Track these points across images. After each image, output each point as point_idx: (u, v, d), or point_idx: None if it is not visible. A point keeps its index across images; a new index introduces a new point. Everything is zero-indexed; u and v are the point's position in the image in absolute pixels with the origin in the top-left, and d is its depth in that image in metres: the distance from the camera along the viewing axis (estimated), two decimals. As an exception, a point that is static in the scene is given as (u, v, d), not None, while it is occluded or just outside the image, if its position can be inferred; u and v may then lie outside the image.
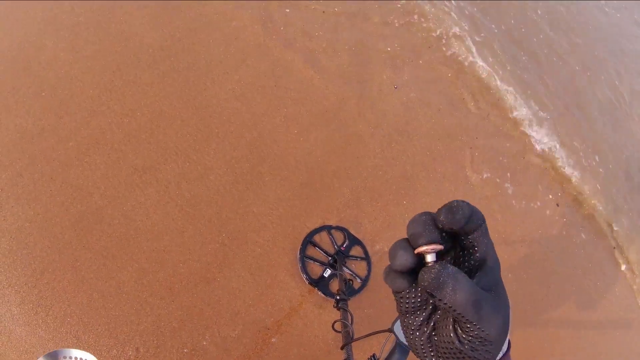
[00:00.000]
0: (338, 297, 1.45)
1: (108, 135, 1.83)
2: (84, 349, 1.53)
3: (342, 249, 1.78)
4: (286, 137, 2.06)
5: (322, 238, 1.84)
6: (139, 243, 1.69)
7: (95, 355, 1.05)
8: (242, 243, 1.77)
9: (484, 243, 0.41)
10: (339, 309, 1.42)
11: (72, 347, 1.56)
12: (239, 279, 1.72)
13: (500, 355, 0.42)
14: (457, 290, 0.37)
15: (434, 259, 0.39)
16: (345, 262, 1.77)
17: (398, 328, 0.90)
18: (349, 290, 1.69)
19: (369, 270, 1.82)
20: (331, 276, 1.73)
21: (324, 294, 1.72)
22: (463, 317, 0.38)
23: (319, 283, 1.72)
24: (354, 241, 1.85)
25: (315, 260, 1.77)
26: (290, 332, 1.70)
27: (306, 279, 1.72)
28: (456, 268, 0.39)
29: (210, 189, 1.85)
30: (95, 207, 1.71)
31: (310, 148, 2.07)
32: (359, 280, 1.79)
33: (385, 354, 1.06)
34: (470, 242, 0.41)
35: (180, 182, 1.82)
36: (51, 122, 1.78)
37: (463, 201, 0.39)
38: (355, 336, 1.25)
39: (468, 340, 0.39)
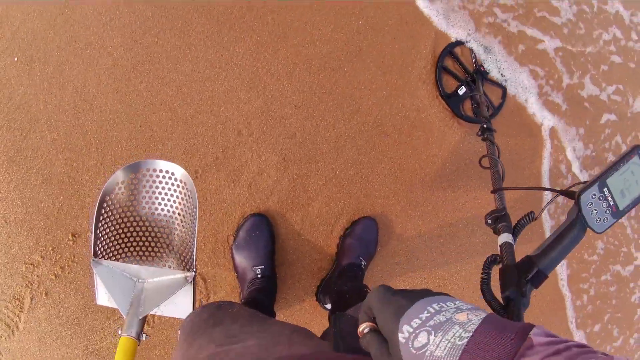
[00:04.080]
0: (485, 125, 1.34)
1: None
2: (178, 124, 1.47)
3: (482, 69, 1.65)
4: None
5: (463, 52, 1.69)
6: (262, 14, 1.52)
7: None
8: (379, 36, 1.61)
9: None
10: (484, 140, 1.32)
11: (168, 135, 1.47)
12: (368, 73, 1.60)
13: None
14: None
15: None
16: (483, 84, 1.66)
17: (586, 199, 0.73)
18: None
19: (504, 99, 1.72)
20: (465, 95, 1.63)
21: (453, 111, 1.63)
22: None
23: (451, 98, 1.63)
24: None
25: (452, 73, 1.65)
26: (409, 143, 1.65)
27: (439, 91, 1.62)
28: None
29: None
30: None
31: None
32: (491, 108, 1.70)
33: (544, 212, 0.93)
34: None
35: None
36: None
37: None
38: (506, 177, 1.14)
39: None
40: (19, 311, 1.45)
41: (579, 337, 2.00)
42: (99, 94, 1.45)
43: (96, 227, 0.91)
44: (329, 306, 1.54)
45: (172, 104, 1.48)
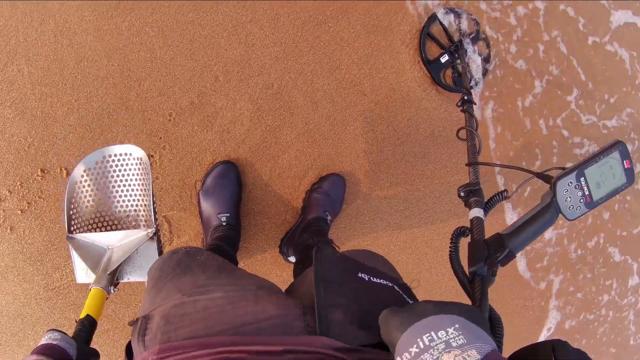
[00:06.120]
0: (465, 97, 1.34)
1: None
2: (156, 65, 1.51)
3: (468, 39, 1.71)
4: None
5: (450, 20, 1.73)
6: None
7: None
8: (367, -5, 1.67)
9: None
10: (463, 112, 1.33)
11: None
12: (352, 31, 1.64)
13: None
14: None
15: None
16: (467, 55, 1.71)
17: (562, 185, 0.76)
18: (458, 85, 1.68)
19: (486, 72, 1.78)
20: (446, 63, 1.68)
21: (433, 78, 1.69)
22: None
23: (432, 65, 1.68)
24: (482, 38, 1.76)
25: (436, 40, 1.69)
26: (386, 104, 1.71)
27: (421, 56, 1.67)
28: None
29: None
30: None
31: None
32: (472, 80, 1.76)
33: (518, 192, 0.90)
34: None
35: None
36: None
37: None
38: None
39: None
40: (-18, 245, 1.50)
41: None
42: (80, 30, 1.48)
43: (69, 209, 1.10)
44: (291, 259, 1.61)
45: (152, 45, 1.52)
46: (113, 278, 1.03)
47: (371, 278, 0.71)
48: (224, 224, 1.49)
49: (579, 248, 2.13)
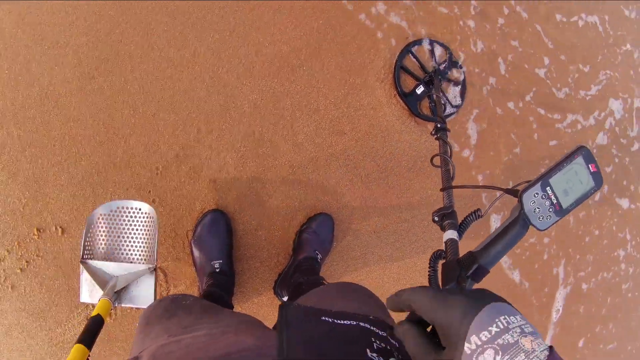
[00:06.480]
0: (439, 125, 1.39)
1: None
2: (140, 121, 1.57)
3: (441, 68, 1.76)
4: None
5: (423, 51, 1.79)
6: (224, 14, 1.62)
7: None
8: (339, 35, 1.71)
9: None
10: (437, 139, 1.38)
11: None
12: (326, 74, 1.69)
13: None
14: None
15: None
16: (442, 84, 1.76)
17: (529, 197, 0.77)
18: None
19: (462, 99, 1.82)
20: (422, 94, 1.73)
21: (411, 110, 1.73)
22: None
23: (408, 97, 1.73)
24: (454, 64, 1.81)
25: (410, 72, 1.74)
26: (366, 141, 1.75)
27: (397, 89, 1.72)
28: None
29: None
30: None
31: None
32: (450, 107, 1.81)
33: (491, 209, 0.94)
34: None
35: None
36: None
37: None
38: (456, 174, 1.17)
39: None
40: (-15, 304, 1.54)
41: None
42: (64, 92, 1.53)
43: (85, 240, 1.33)
44: (286, 299, 1.65)
45: (134, 102, 1.57)
46: (117, 296, 1.27)
47: (335, 320, 0.73)
48: (217, 270, 1.53)
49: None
